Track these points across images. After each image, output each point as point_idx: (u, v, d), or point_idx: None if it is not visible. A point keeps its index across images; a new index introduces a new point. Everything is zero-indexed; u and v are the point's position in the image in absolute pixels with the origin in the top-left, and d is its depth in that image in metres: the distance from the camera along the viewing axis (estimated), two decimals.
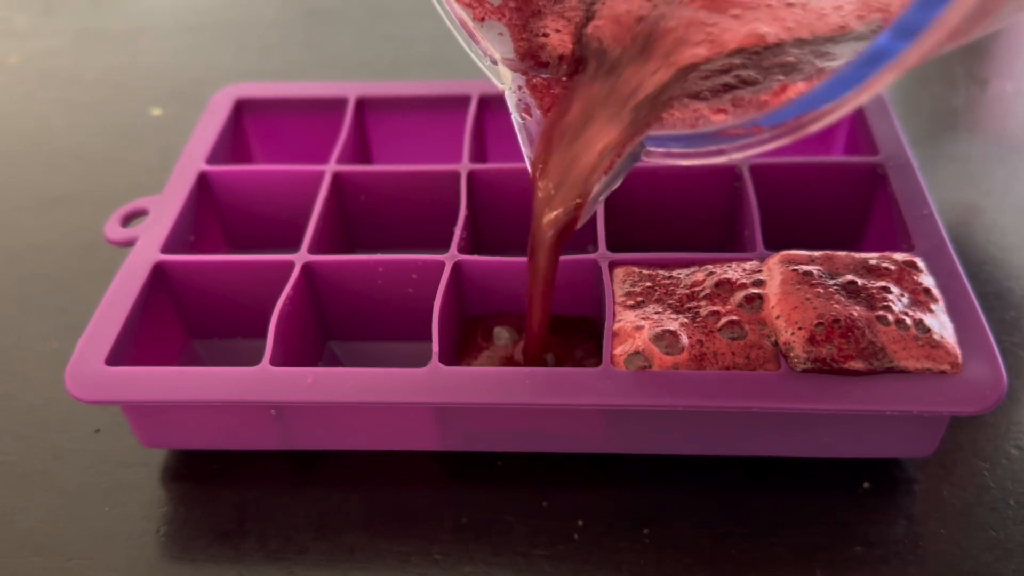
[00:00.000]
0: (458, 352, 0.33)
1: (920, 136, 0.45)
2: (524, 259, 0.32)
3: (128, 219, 0.36)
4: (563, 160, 0.27)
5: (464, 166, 0.37)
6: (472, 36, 0.28)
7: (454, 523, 0.30)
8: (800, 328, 0.29)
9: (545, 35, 0.28)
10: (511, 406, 0.29)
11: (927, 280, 0.30)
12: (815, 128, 0.23)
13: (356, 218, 0.38)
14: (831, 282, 0.30)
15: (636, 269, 0.32)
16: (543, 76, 0.28)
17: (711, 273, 0.31)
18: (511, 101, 0.28)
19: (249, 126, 0.42)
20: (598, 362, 0.29)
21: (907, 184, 0.35)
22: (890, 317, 0.29)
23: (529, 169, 0.28)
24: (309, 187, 0.37)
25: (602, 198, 0.28)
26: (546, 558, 0.29)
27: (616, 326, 0.30)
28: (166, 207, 0.36)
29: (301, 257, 0.33)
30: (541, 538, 0.30)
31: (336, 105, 0.41)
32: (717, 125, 0.25)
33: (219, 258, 0.34)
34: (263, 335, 0.31)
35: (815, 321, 0.29)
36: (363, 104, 0.41)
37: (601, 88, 0.26)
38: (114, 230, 0.36)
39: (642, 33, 0.26)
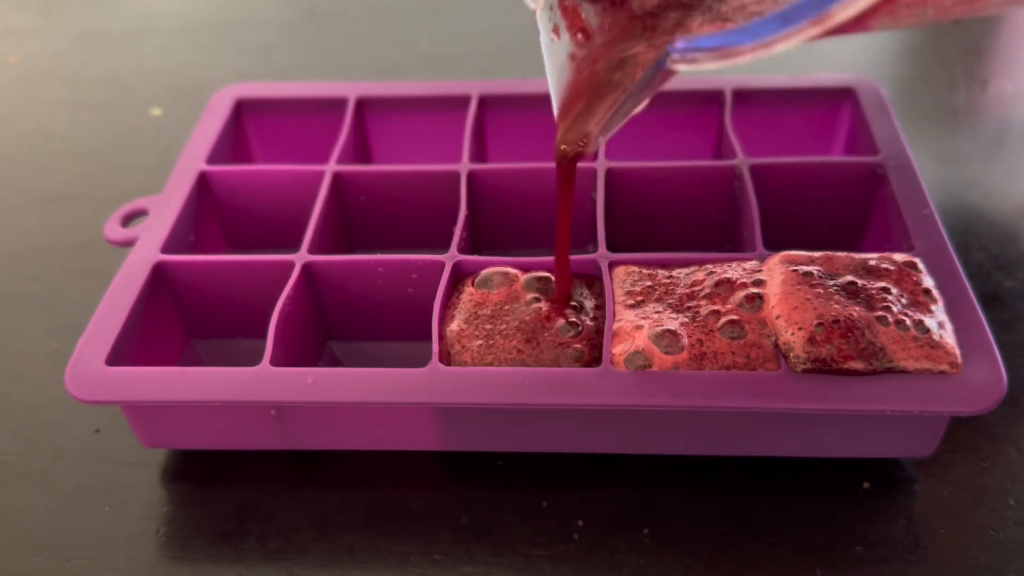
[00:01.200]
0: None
1: (920, 136, 0.45)
2: (524, 259, 0.32)
3: (128, 219, 0.36)
4: (592, 77, 0.27)
5: (464, 166, 0.37)
6: None
7: (454, 523, 0.30)
8: (800, 328, 0.29)
9: None
10: (511, 406, 0.29)
11: (927, 281, 0.30)
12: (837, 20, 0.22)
13: (356, 218, 0.38)
14: (831, 283, 0.30)
15: (636, 268, 0.32)
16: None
17: (711, 272, 0.31)
18: (542, 21, 0.28)
19: (249, 126, 0.42)
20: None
21: (907, 184, 0.35)
22: (890, 318, 0.29)
23: (554, 102, 0.28)
24: (309, 187, 0.37)
25: (627, 116, 0.28)
26: (546, 558, 0.29)
27: (616, 325, 0.30)
28: (166, 207, 0.36)
29: (301, 257, 0.33)
30: (541, 538, 0.30)
31: (336, 105, 0.41)
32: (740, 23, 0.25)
33: (219, 258, 0.34)
34: (263, 335, 0.31)
35: (815, 321, 0.29)
36: (363, 104, 0.41)
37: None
38: (114, 230, 0.36)
39: None
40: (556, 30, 0.28)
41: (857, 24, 0.21)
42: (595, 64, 0.27)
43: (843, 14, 0.20)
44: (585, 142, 0.27)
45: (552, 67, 0.28)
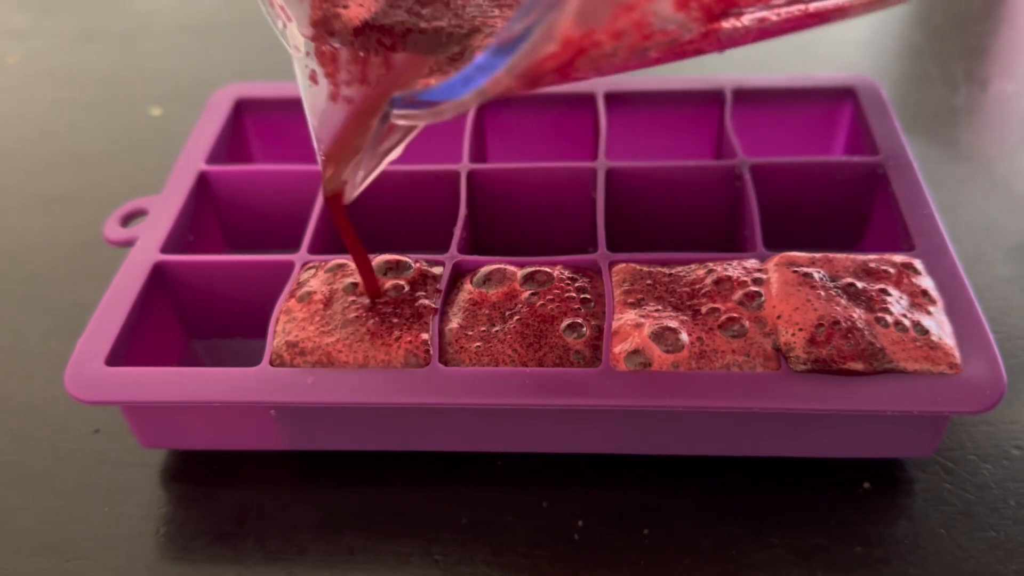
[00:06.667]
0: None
1: (920, 136, 0.45)
2: (523, 259, 0.32)
3: (128, 219, 0.36)
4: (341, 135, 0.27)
5: (464, 166, 0.37)
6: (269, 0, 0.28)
7: (454, 523, 0.30)
8: (801, 329, 0.29)
9: (345, 6, 0.28)
10: (511, 406, 0.29)
11: (925, 282, 0.30)
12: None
13: (356, 218, 0.38)
14: (831, 284, 0.30)
15: (636, 267, 0.32)
16: (333, 45, 0.28)
17: (711, 271, 0.31)
18: (299, 67, 0.28)
19: (249, 126, 0.42)
20: None
21: (907, 184, 0.35)
22: (889, 319, 0.29)
23: (314, 142, 0.28)
24: (309, 187, 0.37)
25: (373, 172, 0.28)
26: (546, 558, 0.29)
27: (616, 324, 0.30)
28: (166, 207, 0.36)
29: (301, 257, 0.33)
30: (541, 538, 0.30)
31: None
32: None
33: (219, 258, 0.34)
34: (263, 335, 0.31)
35: (816, 322, 0.29)
36: None
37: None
38: (114, 230, 0.36)
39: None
40: (313, 76, 0.28)
41: (558, 77, 0.21)
42: (351, 112, 0.27)
43: (495, 89, 0.21)
44: (342, 188, 0.28)
45: (311, 113, 0.28)
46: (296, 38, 0.28)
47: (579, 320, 0.30)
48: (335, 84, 0.28)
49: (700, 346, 0.29)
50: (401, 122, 0.25)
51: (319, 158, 0.27)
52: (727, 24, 0.23)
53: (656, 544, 0.30)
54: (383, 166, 0.27)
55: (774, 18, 0.24)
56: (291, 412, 0.31)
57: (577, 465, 0.32)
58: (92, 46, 0.58)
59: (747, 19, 0.23)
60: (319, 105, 0.27)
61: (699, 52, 0.24)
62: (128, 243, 0.35)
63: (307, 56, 0.28)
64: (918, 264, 0.31)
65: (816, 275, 0.30)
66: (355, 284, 0.31)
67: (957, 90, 0.50)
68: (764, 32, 0.24)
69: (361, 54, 0.27)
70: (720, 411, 0.28)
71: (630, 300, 0.31)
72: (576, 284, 0.31)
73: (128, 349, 0.31)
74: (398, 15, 0.28)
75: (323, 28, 0.28)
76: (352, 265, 0.32)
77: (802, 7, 0.24)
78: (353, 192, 0.27)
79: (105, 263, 0.38)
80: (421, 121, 0.24)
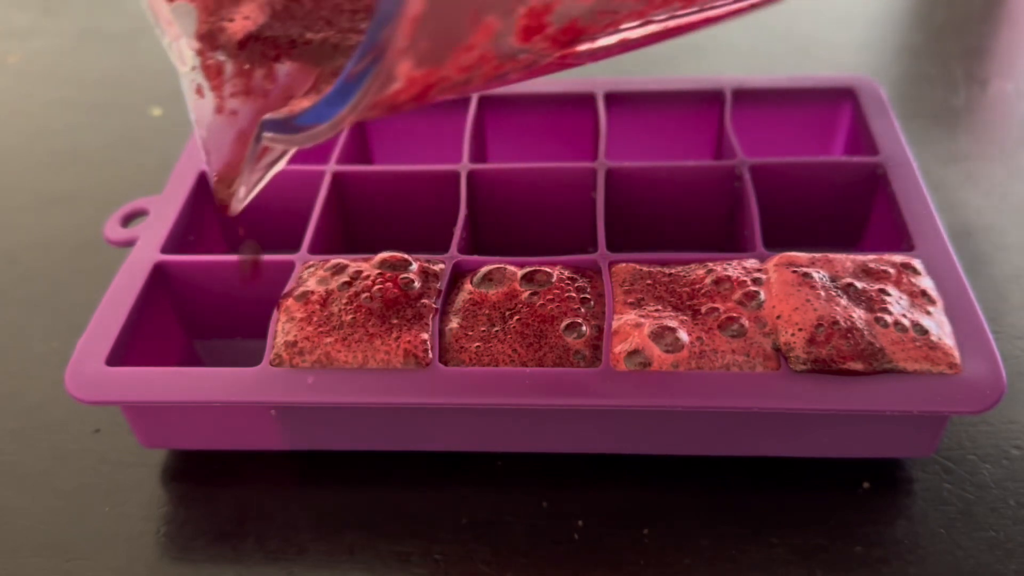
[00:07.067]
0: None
1: (920, 136, 0.45)
2: (523, 259, 0.32)
3: (128, 219, 0.36)
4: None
5: (464, 166, 0.37)
6: (157, 13, 0.28)
7: (454, 523, 0.30)
8: (800, 329, 0.29)
9: (230, 20, 0.28)
10: (511, 406, 0.29)
11: (925, 282, 0.30)
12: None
13: (356, 218, 0.38)
14: (831, 284, 0.30)
15: (636, 267, 0.32)
16: (218, 58, 0.28)
17: (711, 271, 0.31)
18: (185, 82, 0.28)
19: None
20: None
21: (907, 184, 0.35)
22: (888, 319, 0.29)
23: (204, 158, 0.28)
24: (309, 187, 0.37)
25: (256, 185, 0.28)
26: (546, 558, 0.29)
27: (616, 324, 0.30)
28: (166, 207, 0.36)
29: (301, 257, 0.33)
30: (541, 538, 0.30)
31: None
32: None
33: (219, 258, 0.34)
34: (263, 335, 0.31)
35: (816, 322, 0.29)
36: None
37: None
38: (114, 230, 0.36)
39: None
40: (200, 90, 0.28)
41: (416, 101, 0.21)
42: (235, 127, 0.28)
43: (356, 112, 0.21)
44: (229, 200, 0.28)
45: (199, 125, 0.28)
46: (184, 53, 0.28)
47: (579, 320, 0.30)
48: (220, 97, 0.28)
49: (700, 346, 0.29)
50: (272, 146, 0.25)
51: (208, 171, 0.28)
52: (583, 47, 0.23)
53: (656, 544, 0.30)
54: (267, 179, 0.28)
55: (634, 36, 0.24)
56: (291, 412, 0.31)
57: (577, 465, 0.32)
58: (92, 46, 0.58)
59: (603, 41, 0.23)
60: (206, 118, 0.28)
61: (566, 68, 0.24)
62: (128, 243, 0.35)
63: (193, 71, 0.28)
64: (918, 264, 0.31)
65: (816, 275, 0.30)
66: (349, 283, 0.31)
67: (957, 90, 0.50)
68: (628, 47, 0.24)
69: (246, 67, 0.28)
70: (720, 411, 0.28)
71: (630, 300, 0.31)
72: (576, 284, 0.31)
73: (128, 349, 0.31)
74: (282, 27, 0.28)
75: (208, 42, 0.28)
76: (352, 265, 0.32)
77: (659, 26, 0.24)
78: (238, 205, 0.28)
79: (105, 263, 0.38)
80: (293, 145, 0.25)
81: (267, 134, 0.24)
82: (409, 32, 0.18)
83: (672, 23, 0.24)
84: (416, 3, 0.17)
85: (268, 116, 0.24)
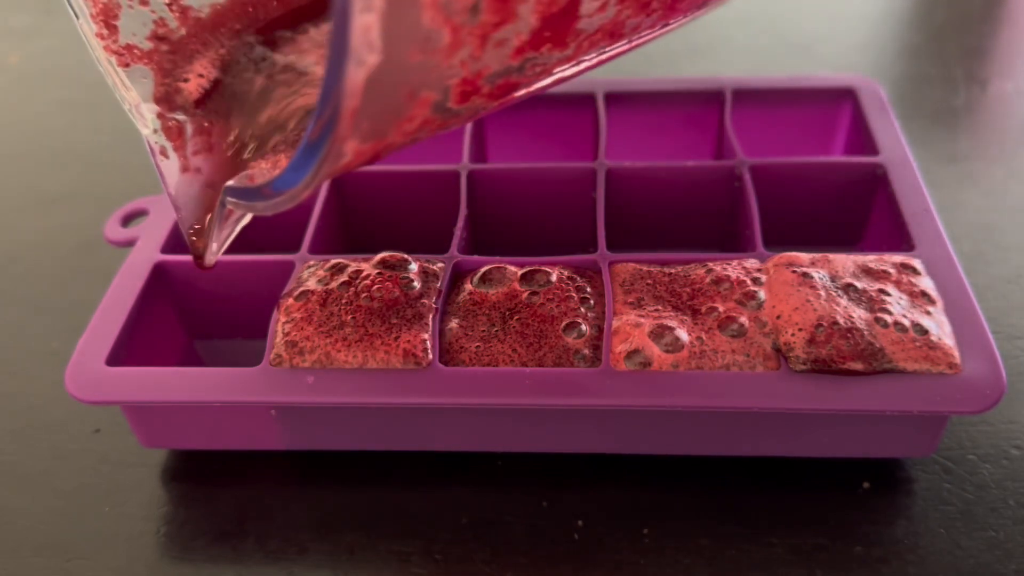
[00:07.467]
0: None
1: (920, 136, 0.45)
2: (523, 259, 0.32)
3: (128, 219, 0.36)
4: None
5: (464, 166, 0.37)
6: (116, 81, 0.29)
7: (454, 523, 0.30)
8: (800, 329, 0.29)
9: (185, 80, 0.29)
10: (511, 406, 0.29)
11: (925, 282, 0.30)
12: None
13: (356, 218, 0.38)
14: (831, 284, 0.30)
15: (636, 267, 0.32)
16: (177, 119, 0.29)
17: (711, 271, 0.31)
18: (149, 144, 0.29)
19: None
20: None
21: (907, 184, 0.35)
22: (888, 319, 0.29)
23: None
24: None
25: (227, 240, 0.29)
26: (546, 558, 0.29)
27: (615, 324, 0.30)
28: (166, 207, 0.36)
29: (301, 257, 0.33)
30: (541, 538, 0.30)
31: None
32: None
33: (219, 258, 0.34)
34: (263, 335, 0.31)
35: (816, 322, 0.29)
36: None
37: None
38: (114, 230, 0.36)
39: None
40: (164, 152, 0.29)
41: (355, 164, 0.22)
42: (201, 182, 0.28)
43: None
44: (202, 253, 0.28)
45: (167, 184, 0.28)
46: (145, 116, 0.29)
47: (579, 320, 0.30)
48: (183, 157, 0.28)
49: (700, 346, 0.29)
50: (237, 211, 0.26)
51: (181, 227, 0.28)
52: (520, 93, 0.24)
53: (656, 544, 0.30)
54: (236, 233, 0.28)
55: (569, 74, 0.24)
56: (291, 412, 0.31)
57: (577, 465, 0.32)
58: None
59: (539, 84, 0.24)
60: (173, 178, 0.28)
61: (508, 104, 0.25)
62: (129, 243, 0.35)
63: (155, 133, 0.29)
64: (918, 264, 0.31)
65: (816, 275, 0.30)
66: (349, 283, 0.31)
67: (957, 90, 0.50)
68: (566, 80, 0.25)
69: (205, 124, 0.29)
70: (720, 411, 0.28)
71: (630, 300, 0.31)
72: (576, 284, 0.31)
73: (128, 349, 0.31)
74: (233, 79, 0.29)
75: (167, 104, 0.29)
76: (352, 265, 0.32)
77: (591, 62, 0.25)
78: (211, 258, 0.28)
79: (105, 263, 0.38)
80: (254, 212, 0.25)
81: (230, 199, 0.25)
82: (349, 125, 0.19)
83: (604, 56, 0.25)
84: (352, 97, 0.18)
85: (230, 184, 0.26)
